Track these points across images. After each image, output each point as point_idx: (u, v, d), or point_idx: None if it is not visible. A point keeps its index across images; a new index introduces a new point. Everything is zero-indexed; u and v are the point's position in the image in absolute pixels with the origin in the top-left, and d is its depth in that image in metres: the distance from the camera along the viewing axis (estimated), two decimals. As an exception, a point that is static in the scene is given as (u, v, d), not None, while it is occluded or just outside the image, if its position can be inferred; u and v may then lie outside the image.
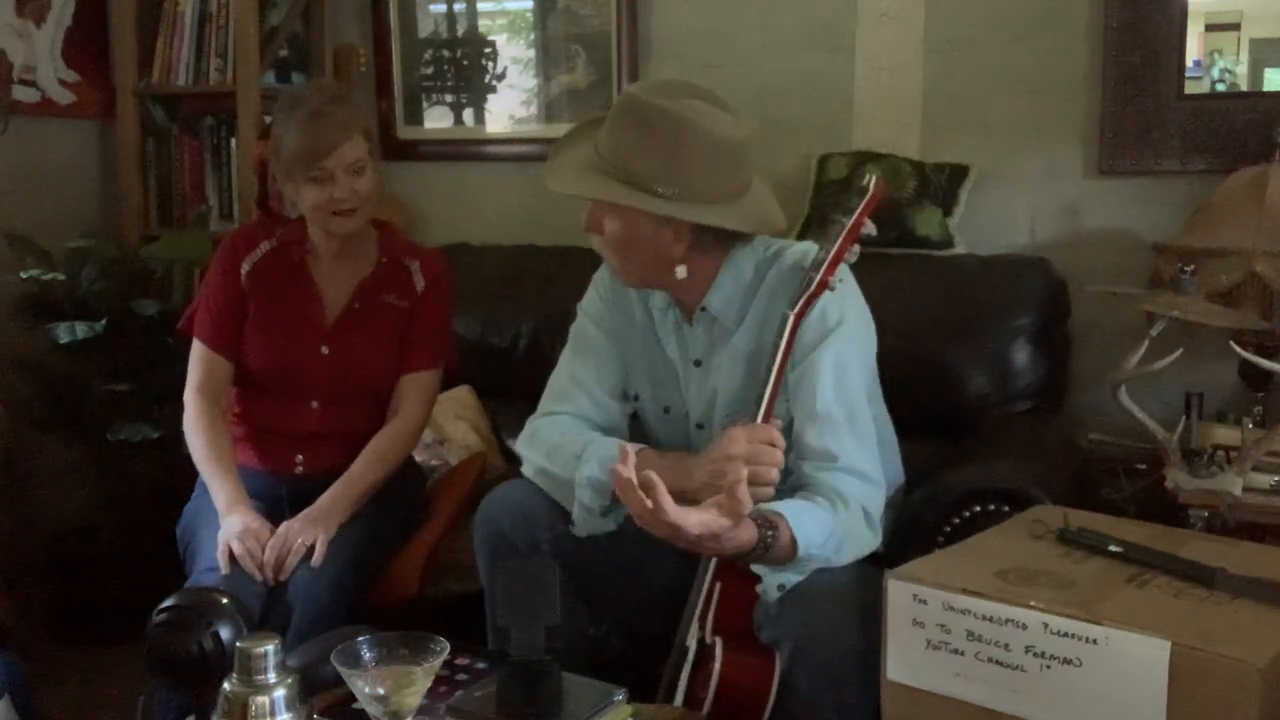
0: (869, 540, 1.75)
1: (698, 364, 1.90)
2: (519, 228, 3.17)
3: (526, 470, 1.89)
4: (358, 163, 2.19)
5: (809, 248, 1.83)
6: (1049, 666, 1.40)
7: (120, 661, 2.77)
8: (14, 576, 2.93)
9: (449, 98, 3.37)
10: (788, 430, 1.75)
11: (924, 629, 1.50)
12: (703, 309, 1.87)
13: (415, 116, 3.40)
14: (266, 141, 2.30)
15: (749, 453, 1.64)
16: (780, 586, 1.66)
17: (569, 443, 1.83)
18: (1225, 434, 2.10)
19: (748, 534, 1.57)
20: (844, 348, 1.78)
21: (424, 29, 3.37)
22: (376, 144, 2.29)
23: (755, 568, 1.67)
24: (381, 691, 1.34)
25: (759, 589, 1.67)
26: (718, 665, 1.68)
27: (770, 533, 1.59)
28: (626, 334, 1.96)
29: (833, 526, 1.68)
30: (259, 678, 1.27)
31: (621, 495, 1.56)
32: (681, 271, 1.81)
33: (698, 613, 1.74)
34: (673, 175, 1.73)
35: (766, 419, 1.70)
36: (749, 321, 1.85)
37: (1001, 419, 2.40)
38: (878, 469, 1.78)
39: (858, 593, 1.65)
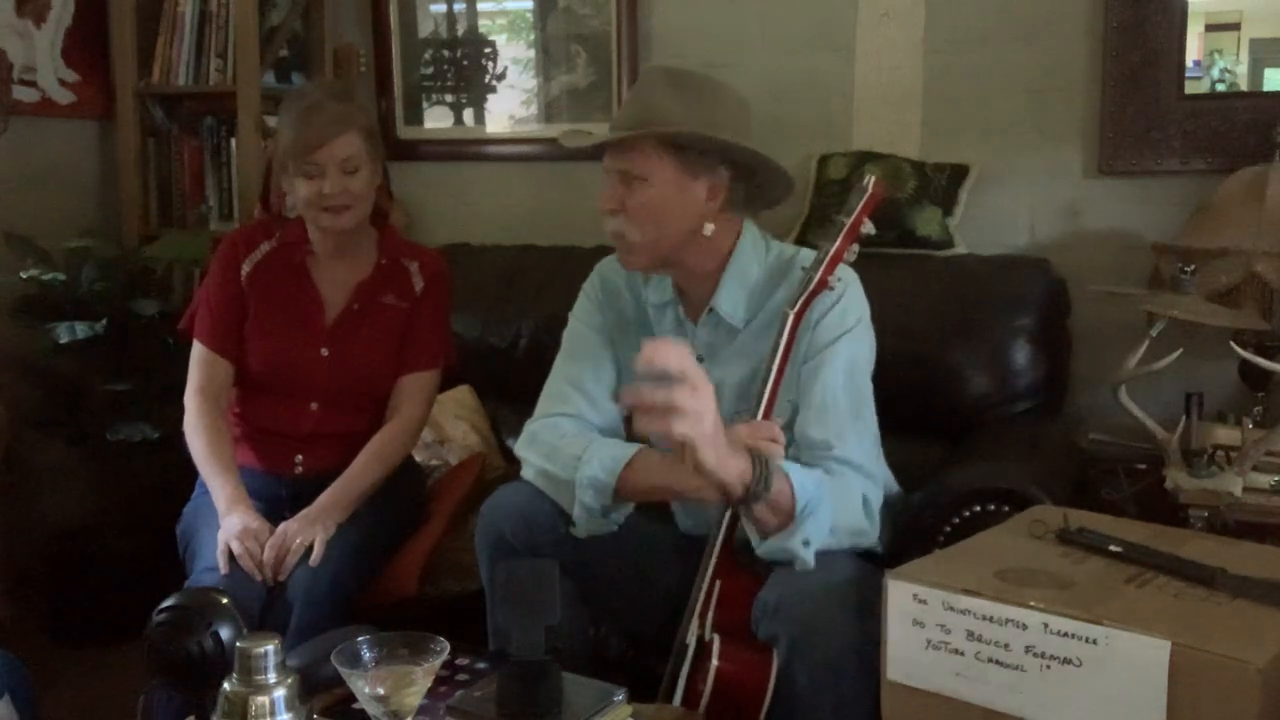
0: (865, 527, 1.76)
1: (700, 360, 1.90)
2: (519, 228, 3.17)
3: (526, 473, 1.89)
4: (351, 160, 2.18)
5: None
6: (1049, 666, 1.40)
7: (120, 661, 2.77)
8: (14, 577, 2.93)
9: (449, 98, 3.38)
10: (788, 427, 1.76)
11: (924, 629, 1.50)
12: (710, 310, 1.88)
13: (415, 116, 3.40)
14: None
15: (752, 450, 1.64)
16: (805, 543, 1.66)
17: (569, 444, 1.83)
18: (1225, 434, 2.09)
19: (743, 461, 1.59)
20: (856, 349, 1.81)
21: (424, 29, 3.37)
22: (379, 144, 2.27)
23: (771, 545, 1.67)
24: (381, 691, 1.34)
25: (787, 545, 1.66)
26: (715, 661, 1.68)
27: (764, 468, 1.61)
28: (620, 333, 1.97)
29: (822, 480, 1.69)
30: (259, 678, 1.27)
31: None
32: (710, 229, 1.82)
33: (697, 610, 1.74)
34: (710, 122, 1.77)
35: (767, 416, 1.72)
36: (756, 324, 1.86)
37: (1001, 419, 2.40)
38: (876, 466, 1.80)
39: (854, 590, 1.65)
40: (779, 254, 1.91)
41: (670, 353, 1.52)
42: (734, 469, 1.60)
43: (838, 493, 1.72)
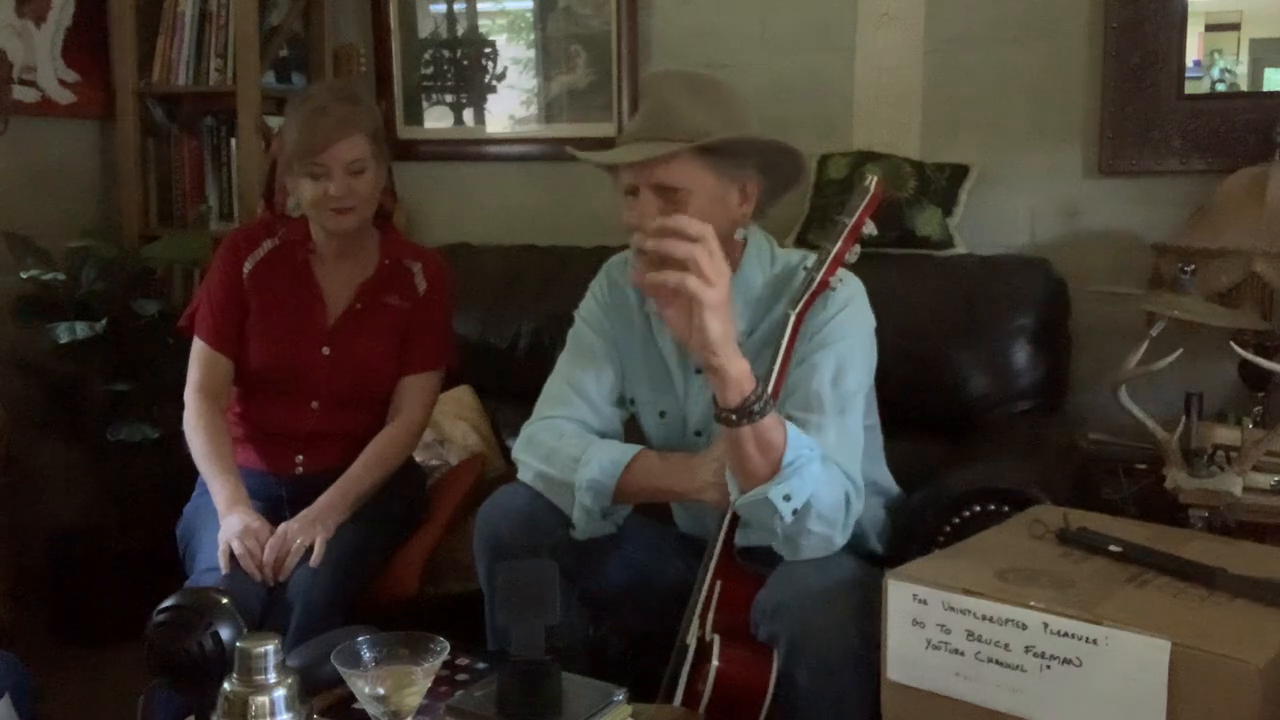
0: (840, 520, 1.70)
1: (699, 372, 1.89)
2: (519, 228, 3.17)
3: (523, 475, 1.88)
4: (357, 162, 2.19)
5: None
6: (1049, 666, 1.40)
7: (120, 661, 2.76)
8: (15, 576, 2.93)
9: (449, 98, 3.38)
10: None
11: (924, 629, 1.50)
12: None
13: (415, 116, 3.41)
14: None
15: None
16: (786, 497, 1.62)
17: (567, 446, 1.82)
18: (1225, 434, 2.09)
19: (748, 366, 1.61)
20: (848, 354, 1.78)
21: (424, 29, 3.37)
22: (384, 146, 2.27)
23: (751, 495, 1.64)
24: (381, 691, 1.34)
25: (768, 495, 1.62)
26: (715, 662, 1.68)
27: (766, 391, 1.62)
28: (625, 339, 1.96)
29: (817, 446, 1.66)
30: (259, 678, 1.27)
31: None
32: (742, 234, 1.83)
33: (697, 611, 1.74)
34: (737, 126, 1.77)
35: (767, 417, 1.71)
36: (758, 336, 1.85)
37: (1001, 419, 2.40)
38: (856, 470, 1.74)
39: (854, 591, 1.65)
40: (785, 264, 1.88)
41: (692, 221, 1.58)
42: (739, 367, 1.59)
43: (826, 473, 1.68)
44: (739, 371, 1.60)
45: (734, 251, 1.85)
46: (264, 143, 3.10)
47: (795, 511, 1.63)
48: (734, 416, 1.60)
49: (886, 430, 2.01)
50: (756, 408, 1.60)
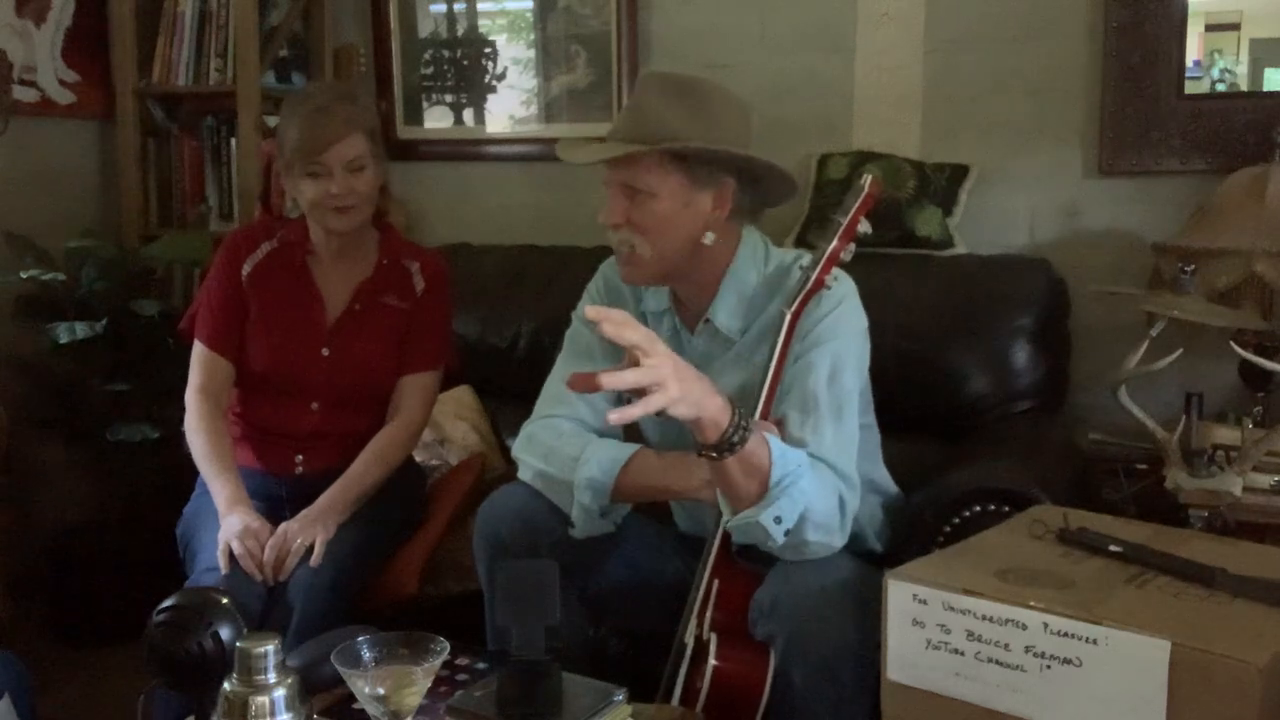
0: (836, 525, 1.70)
1: None
2: (519, 228, 3.17)
3: (523, 474, 1.88)
4: (357, 160, 2.19)
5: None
6: (1049, 666, 1.40)
7: (120, 661, 2.77)
8: (14, 576, 2.93)
9: (449, 98, 3.38)
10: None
11: (924, 629, 1.50)
12: (706, 320, 1.87)
13: (415, 116, 3.41)
14: (274, 138, 2.31)
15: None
16: (777, 520, 1.62)
17: (567, 445, 1.83)
18: (1225, 434, 2.09)
19: (720, 401, 1.55)
20: (843, 352, 1.78)
21: (424, 29, 3.37)
22: (381, 145, 2.28)
23: (742, 518, 1.63)
24: (381, 691, 1.34)
25: (759, 519, 1.62)
26: (712, 660, 1.68)
27: (744, 419, 1.57)
28: None
29: (804, 459, 1.65)
30: (259, 678, 1.27)
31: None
32: (710, 238, 1.79)
33: (695, 609, 1.74)
34: (714, 133, 1.74)
35: (765, 416, 1.71)
36: (752, 334, 1.85)
37: (1001, 419, 2.40)
38: (852, 468, 1.74)
39: (851, 590, 1.65)
40: (779, 263, 1.88)
41: (609, 324, 1.49)
42: (711, 406, 1.55)
43: (817, 482, 1.67)
44: (715, 410, 1.56)
45: (724, 254, 1.84)
46: (262, 142, 3.10)
47: (788, 532, 1.63)
48: (715, 454, 1.58)
49: (887, 430, 2.02)
50: (735, 438, 1.56)
